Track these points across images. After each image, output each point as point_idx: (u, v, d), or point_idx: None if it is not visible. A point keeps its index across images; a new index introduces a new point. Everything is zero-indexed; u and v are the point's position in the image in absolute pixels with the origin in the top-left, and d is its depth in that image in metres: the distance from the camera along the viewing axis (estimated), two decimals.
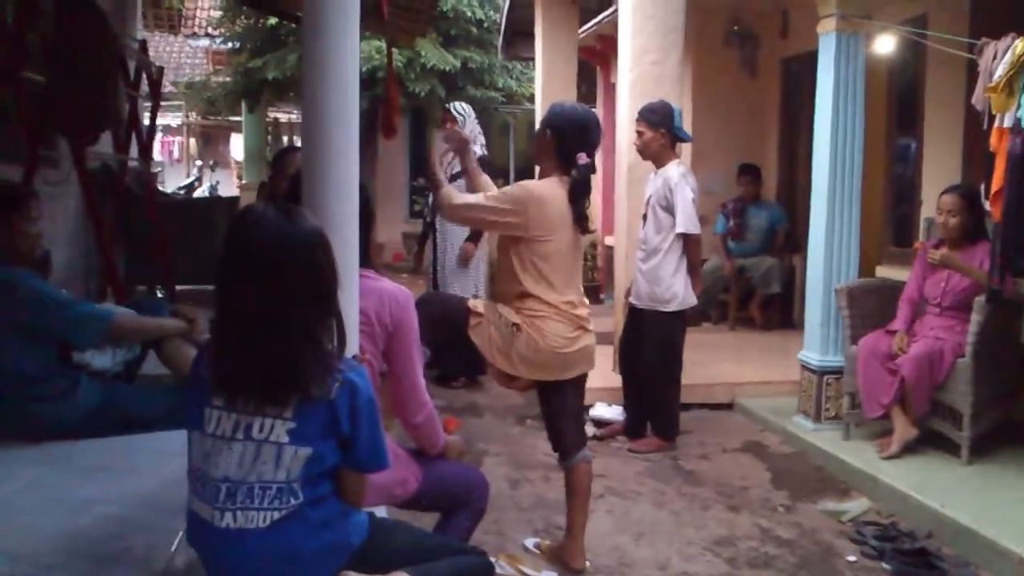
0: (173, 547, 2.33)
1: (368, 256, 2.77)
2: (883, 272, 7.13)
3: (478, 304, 3.66)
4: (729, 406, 6.35)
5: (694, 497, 4.70)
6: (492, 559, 3.71)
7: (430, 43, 12.04)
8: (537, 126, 3.84)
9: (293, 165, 4.48)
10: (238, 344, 2.05)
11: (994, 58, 4.30)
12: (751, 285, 8.56)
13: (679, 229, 5.30)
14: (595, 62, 11.08)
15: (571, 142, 3.61)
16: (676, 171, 5.36)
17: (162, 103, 10.36)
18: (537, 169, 3.85)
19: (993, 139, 4.38)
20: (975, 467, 4.76)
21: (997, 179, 4.32)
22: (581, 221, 3.62)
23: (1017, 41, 4.20)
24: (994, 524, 3.99)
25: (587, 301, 3.77)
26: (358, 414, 2.07)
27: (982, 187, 4.83)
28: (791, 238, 8.58)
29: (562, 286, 3.59)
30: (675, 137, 5.47)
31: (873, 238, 7.86)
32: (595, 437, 5.56)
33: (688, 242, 5.37)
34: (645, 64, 6.26)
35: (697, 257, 5.47)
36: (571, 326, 3.58)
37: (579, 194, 3.60)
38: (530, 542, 4.00)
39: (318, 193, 2.34)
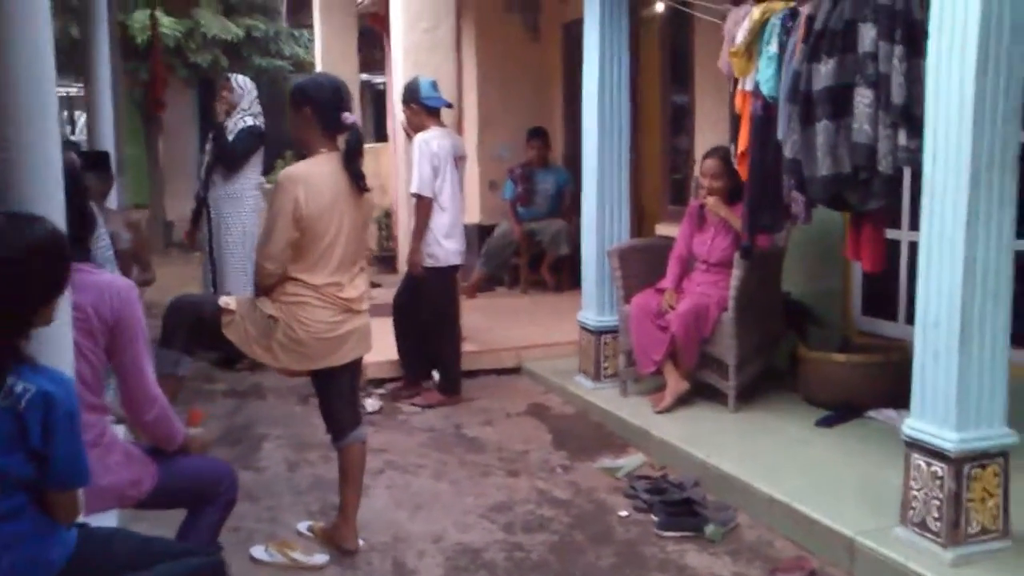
0: None
1: (84, 248, 2.60)
2: (663, 230, 7.38)
3: (230, 301, 3.55)
4: (516, 370, 6.44)
5: (475, 465, 4.74)
6: (262, 547, 3.67)
7: (209, 11, 11.54)
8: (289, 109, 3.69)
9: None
10: None
11: (736, 24, 4.48)
12: (541, 248, 8.70)
13: (411, 189, 5.57)
14: (381, 28, 10.91)
15: (331, 108, 3.53)
16: (422, 136, 5.56)
17: None
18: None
19: (737, 102, 4.57)
20: (740, 415, 5.00)
21: (742, 141, 4.51)
22: (358, 180, 3.54)
23: (754, 8, 4.38)
24: (752, 468, 4.21)
25: (362, 281, 3.70)
26: (53, 428, 1.94)
27: (732, 148, 5.04)
28: (578, 201, 8.74)
29: (331, 268, 3.51)
30: (426, 107, 5.61)
31: (654, 197, 8.14)
32: (379, 411, 5.58)
33: (416, 204, 5.59)
34: (418, 32, 6.24)
35: (421, 220, 5.59)
36: (335, 310, 3.52)
37: (354, 153, 3.54)
38: (303, 526, 3.93)
39: (11, 183, 2.14)
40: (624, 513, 4.14)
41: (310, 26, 11.90)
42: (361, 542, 3.78)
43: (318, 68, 9.24)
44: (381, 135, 12.61)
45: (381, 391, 5.96)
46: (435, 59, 6.19)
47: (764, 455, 4.41)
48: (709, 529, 3.87)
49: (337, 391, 3.70)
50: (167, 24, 11.65)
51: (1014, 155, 3.13)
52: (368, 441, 3.93)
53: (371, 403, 5.63)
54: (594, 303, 5.69)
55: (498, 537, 3.91)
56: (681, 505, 4.10)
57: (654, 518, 4.03)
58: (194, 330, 3.56)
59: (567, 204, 8.76)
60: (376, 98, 14.80)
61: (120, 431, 3.36)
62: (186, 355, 3.55)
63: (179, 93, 14.13)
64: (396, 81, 6.40)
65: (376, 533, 3.91)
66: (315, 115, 3.54)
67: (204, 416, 3.30)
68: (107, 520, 2.38)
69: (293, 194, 3.40)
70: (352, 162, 3.53)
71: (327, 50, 9.08)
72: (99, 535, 2.16)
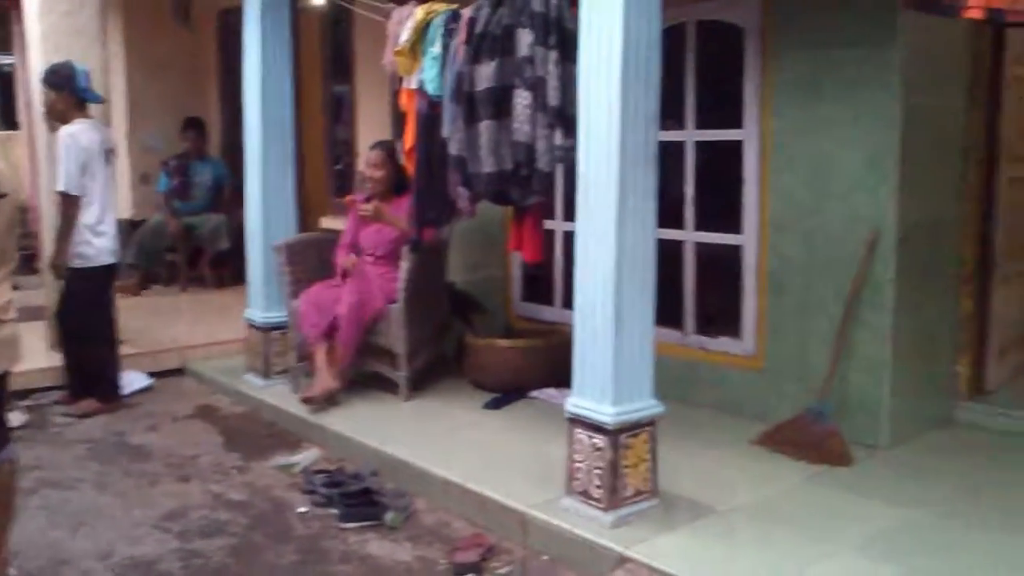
0: None
1: None
2: (328, 223, 7.39)
3: None
4: (180, 371, 6.18)
5: (142, 474, 4.50)
6: None
7: None
8: None
9: None
10: None
11: (400, 23, 4.57)
12: (200, 243, 8.38)
13: (58, 187, 5.23)
14: (8, 5, 9.93)
15: None
16: (66, 129, 5.23)
17: None
18: None
19: (402, 100, 4.67)
20: (413, 403, 5.14)
21: (408, 137, 4.62)
22: None
23: (417, 9, 4.50)
24: (425, 454, 4.33)
25: (7, 289, 3.35)
26: None
27: (399, 144, 5.15)
28: (238, 194, 8.52)
29: None
30: (80, 98, 5.29)
31: (318, 189, 8.12)
32: (26, 425, 5.16)
33: (62, 203, 5.27)
34: (56, 16, 5.77)
35: (68, 220, 5.25)
36: None
37: None
38: None
39: None
40: (303, 509, 4.11)
41: None
42: (14, 571, 3.46)
43: None
44: (11, 122, 11.48)
45: (28, 403, 5.48)
46: (79, 45, 5.72)
47: (437, 440, 4.56)
48: (388, 517, 3.95)
49: None
50: None
51: (654, 153, 3.47)
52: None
53: (16, 417, 5.15)
54: (261, 299, 5.59)
55: (173, 546, 3.74)
56: (360, 496, 4.14)
57: (334, 511, 4.05)
58: None
59: (226, 197, 8.49)
60: (3, 81, 13.41)
61: None
62: None
63: None
64: (32, 65, 5.85)
65: (32, 558, 3.60)
66: None
67: None
68: None
69: None
70: None
71: None
72: None
